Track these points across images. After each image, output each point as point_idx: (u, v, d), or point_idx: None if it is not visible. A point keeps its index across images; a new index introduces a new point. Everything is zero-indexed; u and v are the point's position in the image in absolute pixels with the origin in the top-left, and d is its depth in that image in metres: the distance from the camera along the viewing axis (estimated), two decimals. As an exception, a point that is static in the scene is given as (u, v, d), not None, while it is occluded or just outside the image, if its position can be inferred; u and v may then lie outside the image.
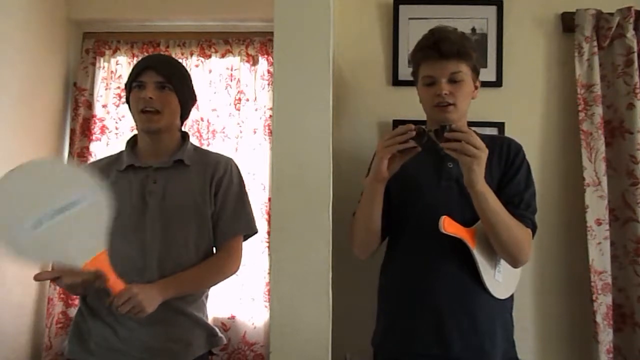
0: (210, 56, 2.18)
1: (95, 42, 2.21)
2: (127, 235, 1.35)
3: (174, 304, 1.34)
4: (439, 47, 1.35)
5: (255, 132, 2.12)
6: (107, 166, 1.47)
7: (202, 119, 2.14)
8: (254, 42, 2.15)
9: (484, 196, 1.25)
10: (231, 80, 2.16)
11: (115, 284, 1.19)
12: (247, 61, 2.16)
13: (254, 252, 2.02)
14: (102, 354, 1.34)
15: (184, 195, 1.42)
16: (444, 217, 1.29)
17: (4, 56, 1.85)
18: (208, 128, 2.14)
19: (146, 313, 1.23)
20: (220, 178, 1.47)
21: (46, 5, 2.07)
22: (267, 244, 1.99)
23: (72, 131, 2.17)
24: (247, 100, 2.14)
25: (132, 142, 1.52)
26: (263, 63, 2.15)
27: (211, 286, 1.49)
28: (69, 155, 2.16)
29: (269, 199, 1.96)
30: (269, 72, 2.13)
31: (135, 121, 1.47)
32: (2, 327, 1.84)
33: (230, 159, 1.54)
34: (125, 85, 1.49)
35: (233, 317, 2.04)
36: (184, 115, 1.53)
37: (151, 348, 1.33)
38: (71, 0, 2.17)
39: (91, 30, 2.23)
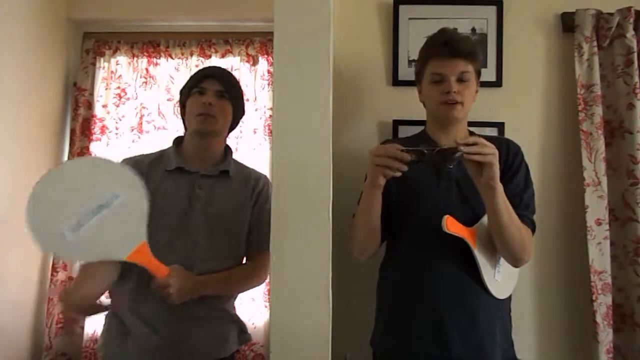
0: (210, 56, 2.18)
1: (95, 42, 2.21)
2: (173, 234, 1.40)
3: (212, 301, 1.42)
4: (452, 45, 1.36)
5: (255, 132, 2.12)
6: (153, 164, 1.49)
7: (202, 119, 2.14)
8: (254, 42, 2.15)
9: (501, 194, 1.26)
10: (231, 80, 2.16)
11: (158, 270, 1.25)
12: (247, 61, 2.16)
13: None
14: (144, 355, 1.35)
15: (226, 204, 1.49)
16: (446, 216, 1.29)
17: (4, 56, 1.85)
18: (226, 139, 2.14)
19: (175, 303, 1.30)
20: (259, 193, 1.55)
21: (46, 5, 2.07)
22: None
23: (72, 131, 2.17)
24: (247, 100, 2.14)
25: (177, 143, 1.56)
26: (263, 63, 2.15)
27: (240, 292, 1.57)
28: (69, 155, 2.16)
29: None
30: (269, 72, 2.13)
31: (189, 123, 1.53)
32: (2, 327, 1.85)
33: (267, 177, 1.62)
34: (181, 91, 1.56)
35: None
36: (233, 127, 1.60)
37: (191, 344, 1.37)
38: (71, 0, 2.17)
39: (91, 30, 2.23)
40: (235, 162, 1.61)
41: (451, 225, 1.30)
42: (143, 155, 1.56)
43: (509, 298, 1.45)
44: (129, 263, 1.23)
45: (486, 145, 1.20)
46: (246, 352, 2.01)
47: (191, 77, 1.56)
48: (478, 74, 1.42)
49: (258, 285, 1.56)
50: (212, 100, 1.48)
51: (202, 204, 1.45)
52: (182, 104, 1.56)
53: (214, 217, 1.45)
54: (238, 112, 1.58)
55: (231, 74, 1.63)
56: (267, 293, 2.01)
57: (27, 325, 2.00)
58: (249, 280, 1.52)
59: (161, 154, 1.54)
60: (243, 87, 2.11)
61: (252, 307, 2.03)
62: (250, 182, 1.55)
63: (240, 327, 1.54)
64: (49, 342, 2.03)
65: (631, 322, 1.72)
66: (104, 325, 1.45)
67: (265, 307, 2.02)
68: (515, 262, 1.36)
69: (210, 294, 1.42)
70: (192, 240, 1.42)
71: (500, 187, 1.24)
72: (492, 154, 1.20)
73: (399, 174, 1.21)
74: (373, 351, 1.49)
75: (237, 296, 1.57)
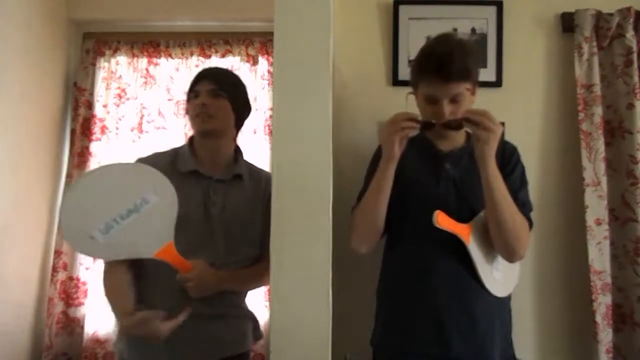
0: (210, 56, 2.18)
1: (96, 42, 2.21)
2: (197, 241, 1.41)
3: (231, 298, 1.47)
4: (443, 71, 1.31)
5: (255, 132, 2.12)
6: (169, 165, 1.48)
7: (202, 119, 2.14)
8: (254, 42, 2.15)
9: (493, 173, 1.28)
10: (231, 80, 2.16)
11: (182, 266, 1.32)
12: (247, 61, 2.16)
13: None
14: (167, 351, 1.35)
15: (240, 209, 1.50)
16: (437, 211, 1.30)
17: (5, 56, 1.85)
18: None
19: (195, 296, 1.35)
20: (270, 195, 1.49)
21: (46, 5, 2.07)
22: (267, 244, 1.99)
23: (73, 131, 2.17)
24: (253, 98, 2.15)
25: (191, 143, 1.57)
26: (263, 63, 2.15)
27: (255, 288, 1.62)
28: (69, 155, 2.16)
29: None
30: (269, 72, 2.13)
31: (192, 126, 1.54)
32: (3, 327, 1.85)
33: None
34: (186, 97, 1.58)
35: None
36: (239, 124, 1.59)
37: (211, 339, 1.41)
38: (71, 1, 2.17)
39: (91, 30, 2.23)
40: (247, 163, 1.62)
41: (442, 220, 1.30)
42: (157, 154, 1.55)
43: (509, 297, 1.46)
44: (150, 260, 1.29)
45: (489, 119, 1.26)
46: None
47: (190, 81, 1.57)
48: (475, 83, 1.40)
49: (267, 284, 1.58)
50: (205, 101, 1.48)
51: (218, 209, 1.47)
52: (186, 110, 1.59)
53: (229, 222, 1.47)
54: (239, 108, 1.56)
55: (227, 71, 1.63)
56: (267, 293, 2.01)
57: (27, 325, 2.00)
58: (261, 279, 1.54)
59: (175, 154, 1.54)
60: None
61: (252, 307, 2.03)
62: (262, 184, 1.56)
63: (255, 323, 1.58)
64: (49, 342, 2.03)
65: (631, 322, 1.72)
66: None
67: (265, 307, 2.02)
68: (510, 253, 1.34)
69: (228, 290, 1.45)
70: (212, 246, 1.44)
71: (493, 167, 1.28)
72: (489, 128, 1.25)
73: (414, 133, 1.31)
74: (373, 351, 1.49)
75: (247, 293, 1.60)
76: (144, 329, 1.25)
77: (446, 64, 1.31)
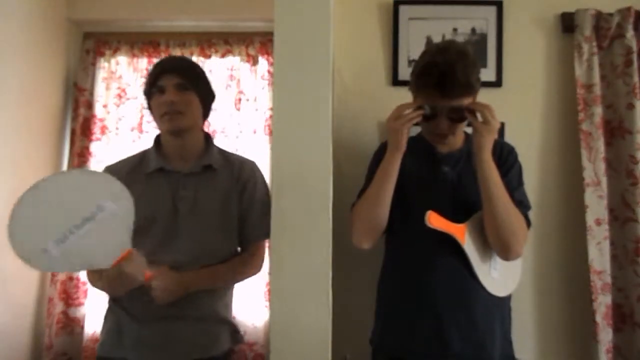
0: (210, 56, 2.18)
1: (96, 42, 2.21)
2: (162, 241, 1.39)
3: (201, 301, 1.41)
4: (443, 87, 1.29)
5: (255, 132, 2.12)
6: (134, 169, 1.46)
7: (202, 119, 2.14)
8: (254, 42, 2.15)
9: (489, 165, 1.30)
10: (231, 80, 2.16)
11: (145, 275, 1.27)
12: (247, 61, 2.16)
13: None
14: (137, 349, 1.37)
15: (214, 200, 1.45)
16: (429, 212, 1.30)
17: (4, 56, 1.85)
18: (208, 128, 2.14)
19: (160, 303, 1.31)
20: (246, 180, 1.50)
21: (46, 5, 2.07)
22: (267, 244, 1.99)
23: (73, 131, 2.17)
24: (247, 100, 2.14)
25: (157, 143, 1.52)
26: (263, 63, 2.15)
27: (233, 283, 1.53)
28: (69, 155, 2.16)
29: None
30: (269, 72, 2.13)
31: (159, 125, 1.48)
32: (3, 327, 1.84)
33: (254, 163, 1.57)
34: (144, 92, 1.49)
35: (233, 317, 2.04)
36: (206, 114, 1.54)
37: (180, 341, 1.38)
38: (71, 1, 2.17)
39: (91, 30, 2.23)
40: (220, 151, 1.55)
41: (434, 220, 1.31)
42: (124, 160, 1.53)
43: (509, 296, 1.46)
44: None
45: (490, 112, 1.28)
46: (246, 352, 2.01)
47: (149, 74, 1.47)
48: (477, 93, 1.38)
49: (253, 274, 1.53)
50: (173, 97, 1.40)
51: (188, 204, 1.42)
52: (148, 105, 1.50)
53: (202, 215, 1.42)
54: (206, 99, 1.50)
55: (188, 61, 1.55)
56: (267, 293, 2.02)
57: (27, 325, 2.00)
58: (241, 272, 1.50)
59: (142, 156, 1.51)
60: (242, 87, 2.14)
61: (252, 307, 2.03)
62: (235, 172, 1.50)
63: (233, 327, 1.52)
64: (49, 342, 2.03)
65: (631, 322, 1.72)
66: (103, 323, 1.46)
67: (265, 307, 2.02)
68: (505, 248, 1.33)
69: (204, 289, 1.41)
70: (180, 244, 1.40)
71: (489, 160, 1.30)
72: (487, 120, 1.28)
73: (419, 119, 1.33)
74: (373, 350, 1.49)
75: (231, 296, 1.54)
76: (118, 280, 1.22)
77: (447, 79, 1.28)
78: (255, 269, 1.53)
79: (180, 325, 1.38)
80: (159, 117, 1.44)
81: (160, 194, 1.41)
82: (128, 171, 1.45)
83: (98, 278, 1.31)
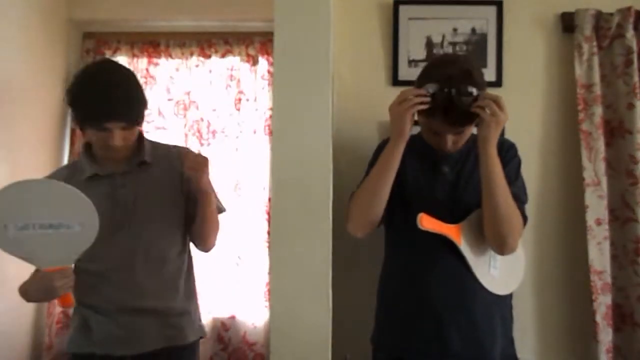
0: (210, 56, 2.18)
1: (96, 42, 2.21)
2: (107, 239, 1.37)
3: (165, 296, 1.45)
4: (451, 116, 1.27)
5: (255, 132, 2.13)
6: (69, 178, 1.43)
7: (202, 119, 2.15)
8: (254, 42, 2.16)
9: (493, 159, 1.28)
10: (231, 80, 2.17)
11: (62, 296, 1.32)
12: (247, 61, 2.16)
13: (254, 252, 2.02)
14: (105, 342, 1.41)
15: (154, 194, 1.46)
16: (421, 214, 1.30)
17: (4, 56, 1.85)
18: (208, 128, 2.14)
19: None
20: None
21: (46, 5, 2.07)
22: (267, 244, 1.99)
23: (73, 131, 2.17)
24: (247, 100, 2.15)
25: (87, 147, 1.49)
26: (263, 63, 2.15)
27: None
28: (69, 155, 2.16)
29: (269, 199, 1.96)
30: (269, 72, 2.13)
31: (94, 146, 1.44)
32: (2, 327, 1.85)
33: (188, 149, 1.59)
34: (77, 117, 1.41)
35: (233, 317, 2.04)
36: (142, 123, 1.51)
37: (148, 332, 1.42)
38: (71, 1, 2.17)
39: (91, 30, 2.23)
40: (153, 144, 1.54)
41: (426, 222, 1.30)
42: (59, 169, 1.56)
43: (510, 295, 1.46)
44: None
45: (498, 105, 1.24)
46: (246, 352, 2.01)
47: (86, 105, 1.35)
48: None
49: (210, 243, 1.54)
50: (121, 142, 1.37)
51: (128, 204, 1.43)
52: (80, 127, 1.43)
53: (142, 213, 1.44)
54: (142, 117, 1.45)
55: (132, 94, 1.40)
56: (267, 293, 2.02)
57: (27, 325, 2.01)
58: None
59: (74, 165, 1.52)
60: (242, 87, 2.14)
61: (252, 307, 2.04)
62: (174, 162, 1.49)
63: (196, 319, 1.54)
64: (49, 341, 2.03)
65: (631, 322, 1.72)
66: (70, 323, 1.52)
67: (265, 307, 2.02)
68: (500, 242, 1.33)
69: (163, 284, 1.45)
70: (125, 244, 1.42)
71: (493, 153, 1.28)
72: (494, 112, 1.24)
73: (425, 107, 1.26)
74: (373, 348, 1.49)
75: (192, 289, 1.55)
76: (41, 282, 1.31)
77: (453, 107, 1.25)
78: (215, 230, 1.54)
79: (145, 318, 1.42)
80: (98, 145, 1.42)
81: (98, 199, 1.35)
82: (62, 180, 1.40)
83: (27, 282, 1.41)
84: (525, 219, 1.38)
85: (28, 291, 1.42)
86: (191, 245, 1.55)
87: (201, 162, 1.37)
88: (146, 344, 1.42)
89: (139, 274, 1.42)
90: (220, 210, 1.53)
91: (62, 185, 1.30)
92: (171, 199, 1.48)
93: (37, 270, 1.35)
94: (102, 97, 1.33)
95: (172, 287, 1.47)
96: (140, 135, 1.51)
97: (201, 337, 1.56)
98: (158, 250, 1.45)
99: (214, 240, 1.54)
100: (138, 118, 1.42)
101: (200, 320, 1.56)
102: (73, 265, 1.33)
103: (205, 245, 1.54)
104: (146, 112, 1.47)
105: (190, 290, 1.54)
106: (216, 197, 1.51)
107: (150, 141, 1.55)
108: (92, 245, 1.31)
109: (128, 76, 1.44)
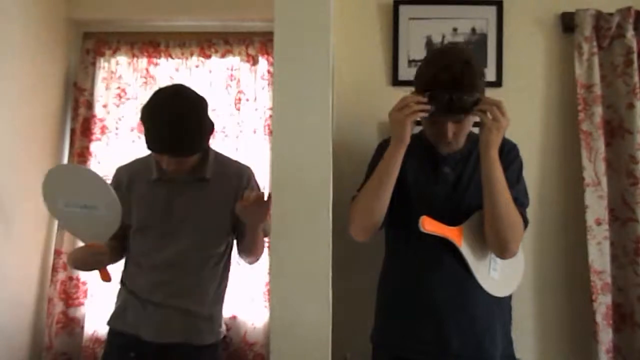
0: (210, 56, 2.18)
1: (95, 42, 2.20)
2: (155, 243, 1.55)
3: (192, 298, 1.56)
4: (454, 105, 1.27)
5: (255, 132, 2.12)
6: (139, 174, 1.60)
7: (202, 119, 2.14)
8: (254, 42, 2.15)
9: (494, 163, 1.29)
10: (231, 80, 2.16)
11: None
12: (247, 61, 2.16)
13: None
14: (137, 325, 1.55)
15: (206, 209, 1.56)
16: (423, 217, 1.30)
17: (4, 56, 1.85)
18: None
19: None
20: (239, 188, 1.58)
21: (46, 5, 2.07)
22: (267, 244, 1.99)
23: (72, 131, 2.16)
24: (247, 100, 2.14)
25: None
26: (263, 63, 2.15)
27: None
28: (69, 155, 2.16)
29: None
30: (269, 72, 2.12)
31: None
32: (2, 327, 1.85)
33: (249, 168, 1.67)
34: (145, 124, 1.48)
35: (233, 317, 2.04)
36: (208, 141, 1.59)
37: (172, 326, 1.54)
38: (71, 0, 2.17)
39: (91, 30, 2.23)
40: (217, 159, 1.62)
41: (428, 224, 1.31)
42: (133, 162, 1.67)
43: (510, 296, 1.46)
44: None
45: (499, 109, 1.25)
46: (246, 352, 2.01)
47: (147, 131, 1.45)
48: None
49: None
50: (170, 167, 1.49)
51: (181, 212, 1.55)
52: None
53: (193, 224, 1.54)
54: (205, 139, 1.53)
55: (191, 120, 1.44)
56: (267, 293, 2.02)
57: (27, 325, 2.00)
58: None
59: (146, 162, 1.61)
60: (242, 87, 2.14)
61: (252, 307, 2.04)
62: (233, 181, 1.59)
63: (217, 324, 1.62)
64: (49, 342, 2.03)
65: (631, 322, 1.72)
66: (115, 300, 1.65)
67: (265, 307, 2.02)
68: (502, 246, 1.32)
69: (196, 287, 1.56)
70: (175, 246, 1.54)
71: (495, 157, 1.29)
72: (496, 117, 1.25)
73: (425, 115, 1.30)
74: (373, 348, 1.50)
75: (220, 295, 1.64)
76: (80, 253, 1.53)
77: (455, 97, 1.26)
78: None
79: (171, 313, 1.53)
80: (156, 160, 1.55)
81: (157, 201, 1.56)
82: (134, 174, 1.62)
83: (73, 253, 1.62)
84: (526, 222, 1.38)
85: (78, 265, 1.61)
86: (230, 255, 1.66)
87: (261, 213, 1.44)
88: (167, 335, 1.53)
89: (177, 275, 1.54)
90: (267, 233, 1.59)
91: (89, 172, 1.53)
92: (222, 215, 1.57)
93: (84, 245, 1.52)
94: (157, 130, 1.43)
95: (204, 291, 1.58)
96: (206, 151, 1.59)
97: (214, 343, 1.63)
98: (198, 258, 1.56)
99: (258, 258, 1.67)
100: (193, 149, 1.48)
101: (220, 326, 1.64)
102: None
103: (248, 259, 1.67)
104: (211, 137, 1.57)
105: (219, 296, 1.64)
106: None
107: (216, 156, 1.63)
108: (145, 241, 1.55)
109: (191, 108, 1.47)
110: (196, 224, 1.55)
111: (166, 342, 1.53)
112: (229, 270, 1.67)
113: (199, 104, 1.49)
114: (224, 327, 1.67)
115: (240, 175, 1.61)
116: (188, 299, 1.55)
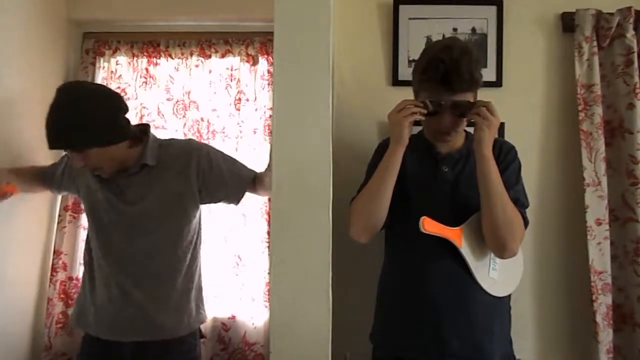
0: (210, 56, 2.18)
1: (95, 42, 2.20)
2: (115, 241, 1.54)
3: (165, 291, 1.56)
4: (448, 82, 1.30)
5: (255, 132, 2.12)
6: (91, 175, 1.60)
7: (202, 119, 2.14)
8: (254, 42, 2.15)
9: (488, 160, 1.30)
10: (231, 80, 2.16)
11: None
12: (247, 61, 2.16)
13: (254, 252, 2.02)
14: (94, 326, 1.57)
15: (157, 196, 1.54)
16: (423, 218, 1.31)
17: (4, 56, 1.85)
18: (208, 128, 2.14)
19: None
20: (197, 165, 1.56)
21: (46, 5, 2.06)
22: (267, 244, 1.99)
23: (72, 131, 2.16)
24: (247, 100, 2.14)
25: None
26: (263, 63, 2.15)
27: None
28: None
29: (269, 199, 1.96)
30: (269, 72, 2.12)
31: None
32: (2, 327, 1.84)
33: (189, 141, 1.66)
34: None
35: (233, 317, 2.03)
36: (123, 136, 1.52)
37: (130, 323, 1.54)
38: (71, 0, 2.17)
39: (91, 30, 2.22)
40: (162, 144, 1.60)
41: (428, 225, 1.31)
42: None
43: (509, 296, 1.46)
44: None
45: (489, 109, 1.29)
46: (246, 352, 2.01)
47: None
48: (478, 88, 1.39)
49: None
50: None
51: (130, 206, 1.54)
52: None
53: (143, 215, 1.53)
54: (107, 136, 1.48)
55: (62, 124, 1.47)
56: (267, 293, 2.02)
57: (27, 325, 2.00)
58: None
59: None
60: (242, 87, 2.14)
61: (252, 307, 2.03)
62: (181, 162, 1.56)
63: (184, 314, 1.60)
64: (49, 342, 2.03)
65: (631, 322, 1.72)
66: (76, 297, 1.69)
67: (265, 307, 2.02)
68: (500, 245, 1.33)
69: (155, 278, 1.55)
70: (128, 246, 1.53)
71: (488, 156, 1.31)
72: (486, 117, 1.29)
73: (422, 118, 1.34)
74: (373, 347, 1.50)
75: (189, 285, 1.61)
76: None
77: (452, 72, 1.29)
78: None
79: (129, 310, 1.53)
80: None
81: (103, 200, 1.56)
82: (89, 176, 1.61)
83: None
84: (526, 222, 1.38)
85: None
86: (197, 247, 1.63)
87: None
88: (132, 334, 1.53)
89: (137, 270, 1.53)
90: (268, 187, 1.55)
91: None
92: (179, 196, 1.55)
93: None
94: (47, 125, 1.48)
95: (167, 283, 1.55)
96: (144, 137, 1.58)
97: (201, 336, 1.65)
98: (158, 248, 1.53)
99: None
100: (87, 143, 1.45)
101: (191, 317, 1.60)
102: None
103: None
104: (111, 132, 1.49)
105: (187, 286, 1.60)
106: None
107: (159, 141, 1.61)
108: (104, 240, 1.53)
109: (72, 101, 1.47)
110: (149, 213, 1.53)
111: (129, 340, 1.54)
112: (197, 258, 1.63)
113: (84, 98, 1.48)
114: (202, 315, 1.65)
115: (188, 152, 1.58)
116: (148, 295, 1.53)
